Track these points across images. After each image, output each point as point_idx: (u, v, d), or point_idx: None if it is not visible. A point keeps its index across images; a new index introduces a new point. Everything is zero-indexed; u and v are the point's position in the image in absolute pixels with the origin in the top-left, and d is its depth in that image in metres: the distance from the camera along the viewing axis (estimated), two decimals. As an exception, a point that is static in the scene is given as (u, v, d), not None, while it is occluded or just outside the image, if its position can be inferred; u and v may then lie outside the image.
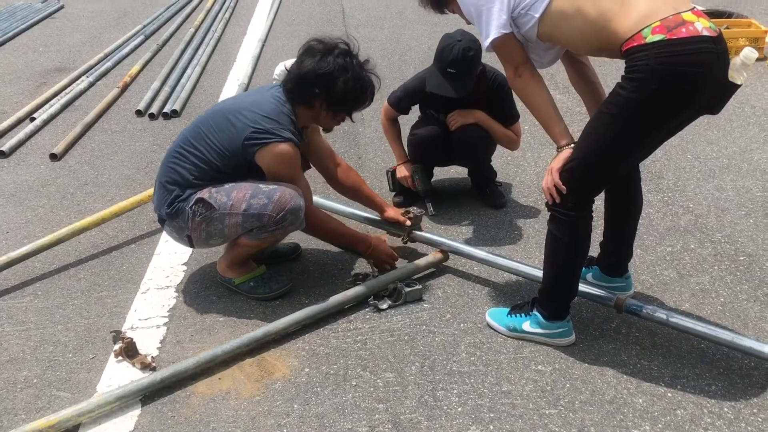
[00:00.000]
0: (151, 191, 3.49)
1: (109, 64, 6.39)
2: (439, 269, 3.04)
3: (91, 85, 5.90)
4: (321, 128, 2.99)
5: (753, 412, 2.20)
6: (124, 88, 5.74)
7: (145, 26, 7.82)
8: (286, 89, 2.77)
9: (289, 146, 2.70)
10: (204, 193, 2.71)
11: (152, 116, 5.08)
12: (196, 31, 7.44)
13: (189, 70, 6.04)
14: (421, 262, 3.00)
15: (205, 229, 2.74)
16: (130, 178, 4.11)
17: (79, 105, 5.44)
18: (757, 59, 2.10)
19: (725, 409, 2.22)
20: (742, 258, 3.02)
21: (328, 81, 2.69)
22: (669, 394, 2.29)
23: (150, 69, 6.30)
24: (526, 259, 3.09)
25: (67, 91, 5.67)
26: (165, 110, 5.12)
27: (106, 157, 4.43)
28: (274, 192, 2.69)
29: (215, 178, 2.74)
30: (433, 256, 3.03)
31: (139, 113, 5.14)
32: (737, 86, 2.13)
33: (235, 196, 2.69)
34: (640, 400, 2.27)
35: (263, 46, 6.87)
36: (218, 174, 2.74)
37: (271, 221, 2.69)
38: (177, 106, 5.15)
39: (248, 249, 2.83)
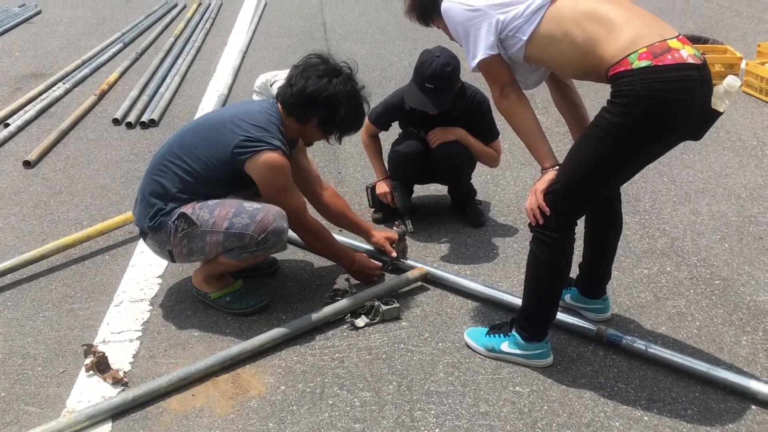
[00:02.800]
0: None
1: (86, 71, 6.34)
2: (418, 287, 3.02)
3: (68, 91, 5.84)
4: (302, 142, 2.96)
5: (728, 438, 2.21)
6: (101, 95, 5.68)
7: (124, 34, 7.77)
8: (286, 103, 2.74)
9: (279, 154, 2.66)
10: (187, 209, 2.66)
11: (129, 125, 5.03)
12: (176, 40, 7.41)
13: (168, 80, 6.00)
14: (401, 278, 2.99)
15: (187, 246, 2.70)
16: (106, 187, 4.05)
17: (54, 112, 5.37)
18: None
19: (701, 434, 2.23)
20: (717, 282, 3.05)
21: (333, 105, 2.70)
22: (645, 418, 2.29)
23: (128, 77, 6.25)
24: (505, 278, 3.10)
25: (42, 97, 5.60)
26: (143, 119, 5.07)
27: (81, 166, 4.36)
28: (257, 212, 2.65)
29: (200, 191, 2.70)
30: (412, 273, 3.02)
31: (116, 122, 5.09)
32: (720, 113, 2.16)
33: (218, 213, 2.65)
34: (617, 424, 2.27)
35: (244, 57, 6.85)
36: (203, 187, 2.70)
37: (252, 242, 2.65)
38: (155, 116, 5.10)
39: (227, 267, 2.80)
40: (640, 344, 2.55)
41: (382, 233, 3.17)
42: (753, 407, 2.32)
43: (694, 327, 2.76)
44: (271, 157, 2.65)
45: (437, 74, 3.19)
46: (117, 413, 2.30)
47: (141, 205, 2.77)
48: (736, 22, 8.19)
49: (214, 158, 2.67)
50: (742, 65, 5.84)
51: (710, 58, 5.79)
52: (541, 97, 4.79)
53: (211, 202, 2.69)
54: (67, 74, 6.25)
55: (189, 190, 2.70)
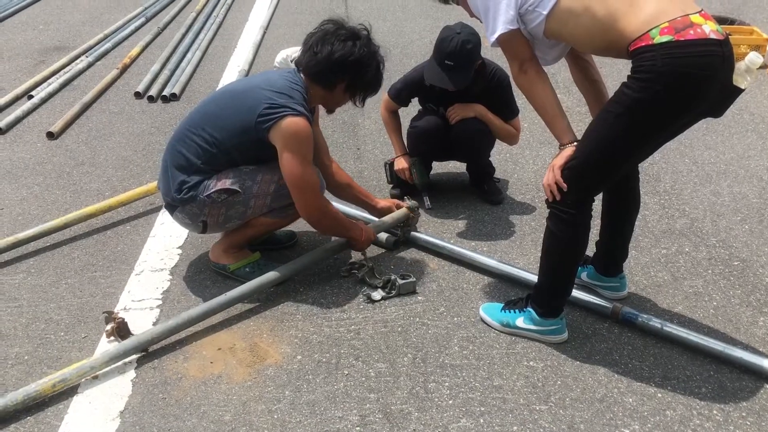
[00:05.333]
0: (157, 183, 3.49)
1: (108, 45, 6.36)
2: (435, 263, 3.04)
3: (90, 65, 5.87)
4: (325, 109, 2.96)
5: (742, 416, 2.21)
6: (124, 69, 5.71)
7: (146, 8, 7.77)
8: (312, 70, 2.74)
9: (303, 120, 2.66)
10: (223, 183, 2.69)
11: (151, 99, 5.06)
12: (198, 15, 7.40)
13: (189, 55, 6.01)
14: (387, 219, 3.12)
15: (225, 213, 2.75)
16: (127, 159, 4.10)
17: (77, 85, 5.41)
18: (759, 67, 2.10)
19: (714, 412, 2.23)
20: (736, 263, 3.04)
21: (359, 67, 2.73)
22: (659, 395, 2.30)
23: (150, 51, 6.27)
24: (522, 256, 3.10)
25: (66, 70, 5.64)
26: (164, 93, 5.10)
27: (104, 138, 4.41)
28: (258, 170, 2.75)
29: (223, 161, 2.73)
30: (398, 213, 3.16)
31: (137, 95, 5.11)
32: (741, 90, 2.14)
33: (261, 178, 2.72)
34: (630, 400, 2.28)
35: (265, 33, 6.84)
36: (226, 157, 2.72)
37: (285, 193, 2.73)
38: (176, 90, 5.13)
39: (264, 228, 2.88)
40: (655, 322, 2.55)
41: (385, 200, 3.22)
42: (767, 386, 2.32)
43: (711, 307, 2.75)
44: (294, 121, 2.64)
45: (457, 51, 3.18)
46: (137, 375, 2.36)
47: (165, 178, 2.80)
48: (764, 4, 8.02)
49: (237, 127, 2.69)
50: (769, 47, 5.74)
51: (736, 39, 5.70)
52: (562, 76, 4.75)
53: (245, 169, 2.73)
54: (90, 48, 6.28)
55: (212, 161, 2.72)
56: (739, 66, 2.11)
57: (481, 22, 2.41)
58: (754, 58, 2.09)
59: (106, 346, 2.52)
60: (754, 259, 3.07)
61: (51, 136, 4.38)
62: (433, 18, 7.03)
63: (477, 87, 3.35)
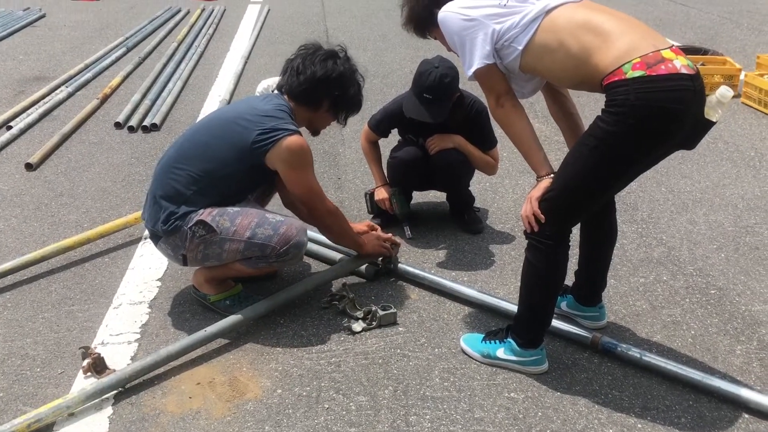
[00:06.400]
0: (137, 214, 3.48)
1: (89, 75, 6.38)
2: (416, 293, 3.04)
3: (70, 95, 5.88)
4: (310, 131, 3.00)
5: (721, 445, 2.23)
6: (104, 99, 5.72)
7: (127, 38, 7.82)
8: (295, 91, 2.80)
9: (299, 137, 2.71)
10: (206, 216, 2.68)
11: (131, 129, 5.06)
12: (179, 45, 7.45)
13: (170, 84, 6.03)
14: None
15: (203, 251, 2.72)
16: (107, 190, 4.08)
17: (57, 115, 5.41)
18: (732, 96, 2.14)
19: (694, 442, 2.24)
20: (713, 291, 3.07)
21: (342, 83, 2.83)
22: (639, 425, 2.31)
23: (131, 81, 6.29)
24: (502, 285, 3.12)
25: (45, 100, 5.63)
26: (144, 123, 5.10)
27: (83, 169, 4.39)
28: (280, 224, 2.71)
29: (215, 191, 2.72)
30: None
31: (118, 125, 5.11)
32: (713, 123, 2.18)
33: (240, 222, 2.68)
34: (611, 431, 2.28)
35: (246, 62, 6.89)
36: (219, 185, 2.71)
37: (273, 253, 2.70)
38: (157, 120, 5.13)
39: (238, 273, 2.83)
40: (635, 352, 2.57)
41: (360, 224, 3.20)
42: (746, 415, 2.34)
43: (689, 336, 2.78)
44: (292, 140, 2.69)
45: (435, 85, 3.23)
46: (114, 412, 2.33)
47: (152, 208, 2.78)
48: (736, 34, 8.23)
49: (231, 155, 2.70)
50: (741, 76, 5.87)
51: (709, 69, 5.83)
52: (541, 106, 4.80)
53: (231, 210, 2.71)
54: (70, 78, 6.29)
55: (203, 191, 2.71)
56: (711, 99, 2.15)
57: (458, 56, 2.45)
58: (724, 92, 2.13)
59: (82, 381, 2.49)
60: (731, 287, 3.10)
61: (30, 167, 4.35)
62: (414, 48, 7.12)
63: (456, 118, 3.39)
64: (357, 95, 2.93)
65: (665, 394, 2.45)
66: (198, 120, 3.67)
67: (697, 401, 2.41)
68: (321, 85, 2.79)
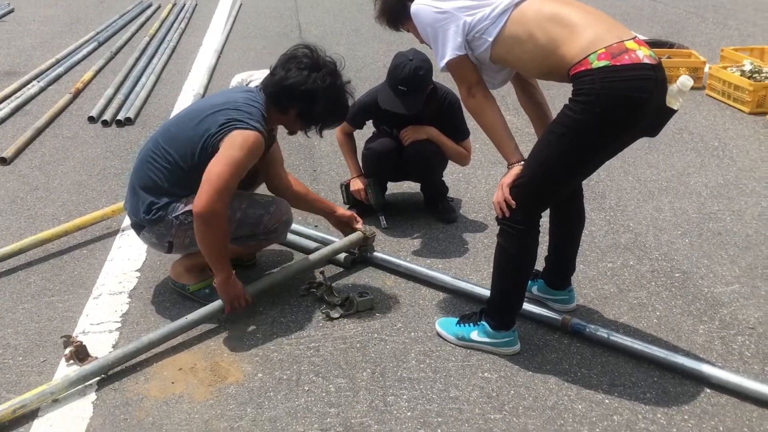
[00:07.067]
0: (115, 207, 3.52)
1: (60, 69, 6.35)
2: (392, 280, 3.12)
3: (42, 90, 5.85)
4: (286, 130, 2.99)
5: (684, 419, 2.33)
6: (77, 94, 5.71)
7: (98, 33, 7.78)
8: (266, 91, 2.79)
9: (253, 133, 2.65)
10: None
11: (105, 123, 5.06)
12: (151, 39, 7.44)
13: (143, 79, 6.03)
14: (343, 242, 3.19)
15: (190, 236, 2.74)
16: (82, 184, 4.09)
17: (29, 110, 5.39)
18: (696, 88, 2.24)
19: (659, 416, 2.35)
20: (677, 275, 3.19)
21: (310, 98, 2.73)
22: (606, 401, 2.41)
23: (103, 76, 6.28)
24: (475, 272, 3.21)
25: (17, 95, 5.61)
26: (119, 118, 5.10)
27: (57, 163, 4.40)
28: (270, 203, 2.82)
29: (189, 182, 2.70)
30: (353, 236, 3.22)
31: (91, 120, 5.11)
32: (674, 111, 2.28)
33: (230, 205, 2.68)
34: (580, 407, 2.39)
35: (219, 57, 6.90)
36: (193, 176, 2.68)
37: (264, 230, 2.80)
38: (131, 114, 5.14)
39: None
40: (602, 332, 2.67)
41: (345, 210, 3.28)
42: (708, 390, 2.45)
43: (654, 317, 2.89)
44: (241, 132, 2.63)
45: (410, 77, 3.30)
46: (98, 397, 2.37)
47: (133, 199, 2.82)
48: (702, 28, 8.42)
49: (194, 147, 2.70)
50: (706, 69, 6.03)
51: (675, 62, 5.99)
52: (512, 99, 4.87)
53: None
54: (42, 72, 6.26)
55: (179, 182, 2.75)
56: (672, 88, 2.26)
57: (431, 48, 2.53)
58: (685, 81, 2.24)
59: (65, 369, 2.53)
60: (694, 270, 3.23)
61: (3, 161, 4.35)
62: (386, 42, 7.19)
63: (429, 110, 3.47)
64: (328, 112, 2.81)
65: (631, 371, 2.56)
66: (172, 115, 3.69)
67: (661, 377, 2.53)
68: (288, 92, 2.74)
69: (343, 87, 2.84)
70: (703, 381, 2.49)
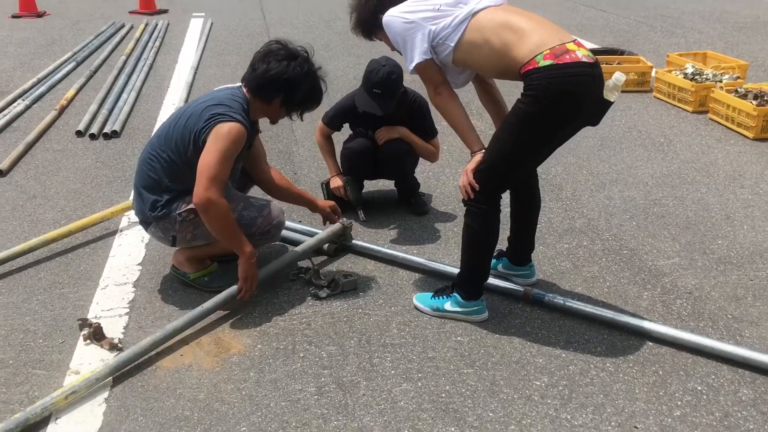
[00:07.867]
0: (114, 209, 3.82)
1: (43, 88, 6.59)
2: (373, 266, 3.46)
3: (28, 107, 6.09)
4: (269, 120, 3.22)
5: (629, 366, 2.71)
6: (62, 110, 5.96)
7: (75, 53, 8.02)
8: (249, 85, 3.02)
9: (236, 124, 2.88)
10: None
11: (93, 136, 5.32)
12: (128, 58, 7.71)
13: (125, 95, 6.31)
14: (325, 233, 3.48)
15: (192, 232, 3.06)
16: (78, 191, 4.37)
17: (17, 126, 5.63)
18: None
19: (607, 365, 2.72)
20: (625, 252, 3.59)
21: (292, 86, 3.01)
22: (563, 355, 2.78)
23: (85, 93, 6.54)
24: (446, 255, 3.56)
25: (5, 113, 5.84)
26: (105, 131, 5.37)
27: (51, 174, 4.66)
28: (264, 207, 3.10)
29: (184, 179, 2.97)
30: (334, 227, 3.53)
31: (79, 134, 5.37)
32: (611, 103, 2.67)
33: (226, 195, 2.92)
34: (540, 360, 2.75)
35: (195, 73, 7.20)
36: (184, 175, 2.99)
37: (257, 232, 3.08)
38: (117, 127, 5.41)
39: (221, 252, 3.19)
40: (559, 299, 3.04)
41: (326, 202, 3.58)
42: (649, 343, 2.83)
43: (605, 287, 3.28)
44: (226, 125, 2.87)
45: (383, 81, 3.67)
46: (117, 373, 2.67)
47: (138, 201, 3.13)
48: (651, 36, 8.96)
49: (184, 143, 2.96)
50: (653, 73, 6.51)
51: (625, 67, 6.46)
52: (476, 105, 5.28)
53: None
54: (25, 91, 6.50)
55: (176, 179, 3.03)
56: (608, 83, 2.64)
57: (400, 54, 2.89)
58: (618, 76, 2.63)
59: (83, 349, 2.82)
60: (640, 248, 3.63)
61: (0, 173, 4.59)
62: (356, 56, 7.57)
63: (401, 111, 3.84)
64: (307, 97, 3.07)
65: (584, 330, 2.93)
66: (157, 125, 3.89)
67: (610, 334, 2.90)
68: (272, 82, 2.97)
69: (317, 72, 3.11)
70: (645, 336, 2.87)
